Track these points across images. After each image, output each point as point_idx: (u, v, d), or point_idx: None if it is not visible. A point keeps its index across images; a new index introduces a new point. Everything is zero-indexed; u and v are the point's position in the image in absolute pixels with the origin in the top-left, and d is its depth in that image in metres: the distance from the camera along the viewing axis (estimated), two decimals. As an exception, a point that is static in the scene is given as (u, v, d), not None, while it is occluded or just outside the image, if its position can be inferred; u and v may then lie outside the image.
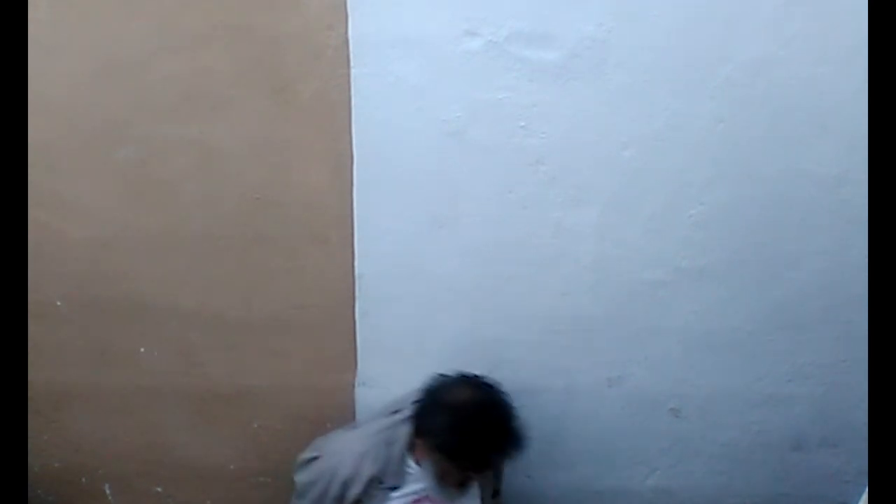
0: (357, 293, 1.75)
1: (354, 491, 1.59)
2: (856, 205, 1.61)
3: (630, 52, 1.50)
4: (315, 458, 1.67)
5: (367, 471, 1.58)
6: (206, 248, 1.73)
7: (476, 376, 1.61)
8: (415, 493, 1.62)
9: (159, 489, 2.06)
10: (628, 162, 1.60)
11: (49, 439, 1.97)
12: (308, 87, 1.56)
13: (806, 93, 1.52)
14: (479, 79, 1.53)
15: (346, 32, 1.50)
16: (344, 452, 1.62)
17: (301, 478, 1.67)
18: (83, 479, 2.04)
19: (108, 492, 2.06)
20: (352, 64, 1.53)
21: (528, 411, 1.63)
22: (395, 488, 1.61)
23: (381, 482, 1.60)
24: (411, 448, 1.61)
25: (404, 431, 1.61)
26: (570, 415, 1.88)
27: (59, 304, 1.80)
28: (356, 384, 1.86)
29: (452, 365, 1.66)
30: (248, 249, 1.72)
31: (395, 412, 1.67)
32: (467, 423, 1.52)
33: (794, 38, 1.48)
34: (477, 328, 1.79)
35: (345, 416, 1.89)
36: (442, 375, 1.63)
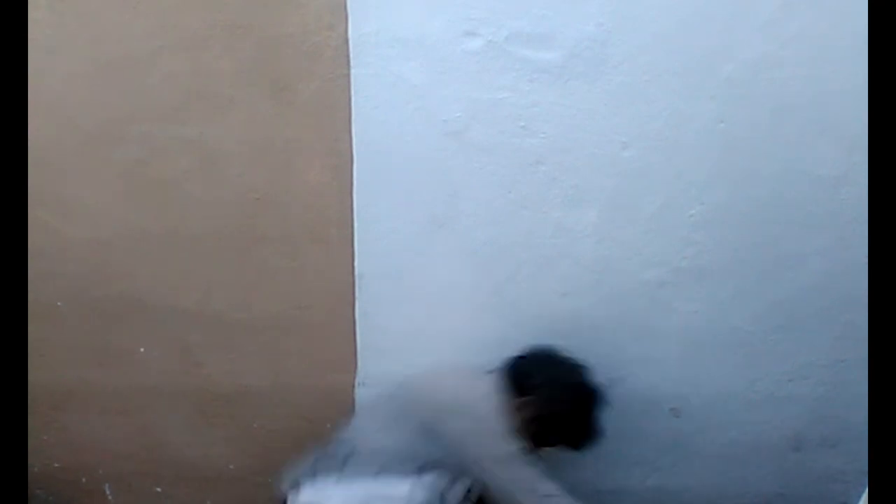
0: (357, 293, 1.75)
1: None
2: (856, 205, 1.61)
3: (630, 52, 1.50)
4: None
5: None
6: (206, 248, 1.73)
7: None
8: None
9: (159, 489, 2.06)
10: (628, 162, 1.60)
11: (49, 439, 1.97)
12: (308, 87, 1.56)
13: (806, 93, 1.52)
14: (479, 79, 1.53)
15: (346, 32, 1.50)
16: None
17: None
18: (83, 479, 2.04)
19: (108, 492, 2.06)
20: (352, 64, 1.53)
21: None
22: None
23: None
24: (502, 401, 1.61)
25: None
26: (570, 415, 1.87)
27: (59, 304, 1.80)
28: (356, 384, 1.86)
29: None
30: (248, 249, 1.72)
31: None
32: (583, 403, 1.64)
33: (794, 38, 1.48)
34: (477, 328, 1.79)
35: (345, 416, 1.89)
36: (544, 347, 1.68)
